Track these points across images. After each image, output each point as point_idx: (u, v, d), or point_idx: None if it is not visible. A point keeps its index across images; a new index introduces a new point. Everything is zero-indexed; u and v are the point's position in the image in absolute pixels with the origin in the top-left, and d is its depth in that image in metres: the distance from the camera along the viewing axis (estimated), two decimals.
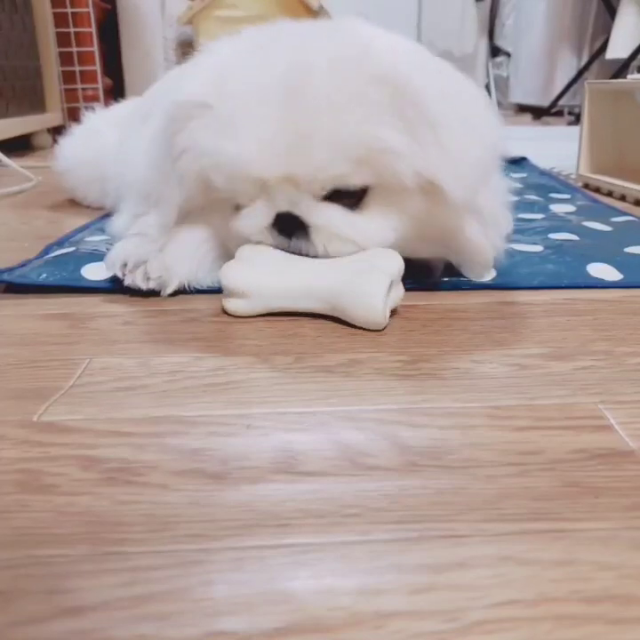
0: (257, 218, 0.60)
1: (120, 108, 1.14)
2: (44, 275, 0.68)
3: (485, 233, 0.62)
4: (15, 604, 0.28)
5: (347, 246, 0.59)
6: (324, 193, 0.57)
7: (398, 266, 0.58)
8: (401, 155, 0.55)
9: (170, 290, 0.64)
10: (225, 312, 0.60)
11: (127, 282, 0.64)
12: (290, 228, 0.59)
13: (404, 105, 0.55)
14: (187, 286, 0.65)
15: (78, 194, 1.12)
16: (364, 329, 0.56)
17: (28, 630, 0.27)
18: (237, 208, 0.61)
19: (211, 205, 0.63)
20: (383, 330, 0.56)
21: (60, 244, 0.83)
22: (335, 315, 0.58)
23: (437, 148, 0.55)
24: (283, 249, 0.60)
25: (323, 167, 0.56)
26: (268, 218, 0.59)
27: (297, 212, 0.58)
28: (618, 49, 2.51)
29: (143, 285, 0.63)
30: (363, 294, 0.56)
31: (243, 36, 0.64)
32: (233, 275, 0.59)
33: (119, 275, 0.64)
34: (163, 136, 0.62)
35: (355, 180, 0.57)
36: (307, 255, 0.59)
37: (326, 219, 0.58)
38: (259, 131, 0.56)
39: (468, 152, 0.57)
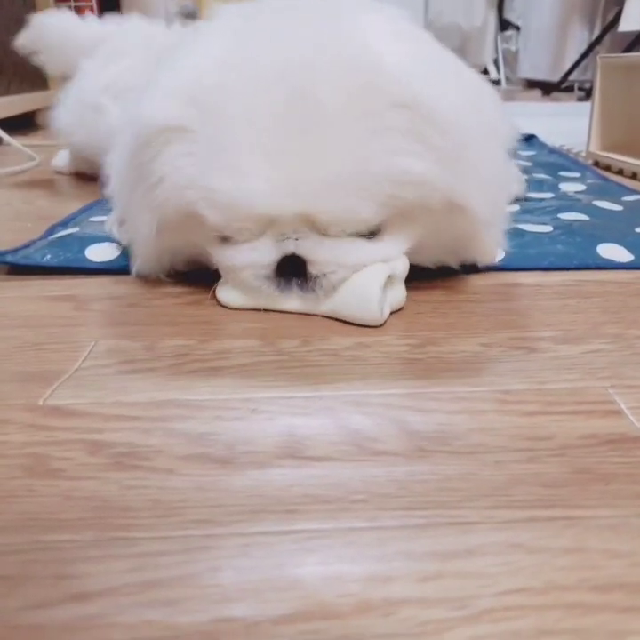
0: (257, 255, 0.53)
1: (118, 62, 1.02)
2: (48, 256, 0.67)
3: (493, 234, 0.60)
4: (22, 589, 0.28)
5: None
6: (342, 235, 0.52)
7: (402, 264, 0.55)
8: (428, 183, 0.51)
9: None
10: (218, 303, 0.57)
11: (124, 240, 0.64)
12: (293, 269, 0.53)
13: (429, 131, 0.50)
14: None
15: (83, 167, 1.10)
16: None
17: (35, 615, 0.27)
18: (226, 239, 0.54)
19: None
20: (382, 326, 0.53)
21: (63, 224, 0.83)
22: (331, 315, 0.54)
23: (465, 171, 0.52)
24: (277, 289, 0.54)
25: (350, 210, 0.50)
26: (271, 256, 0.53)
27: (303, 251, 0.52)
28: (631, 21, 2.45)
29: None
30: (357, 285, 0.52)
31: (223, 33, 0.55)
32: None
33: (116, 234, 0.64)
34: (134, 162, 0.55)
35: (376, 220, 0.52)
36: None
37: (339, 254, 0.52)
38: (261, 161, 0.49)
39: (492, 167, 0.55)
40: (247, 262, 0.53)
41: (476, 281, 0.63)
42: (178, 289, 0.61)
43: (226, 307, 0.57)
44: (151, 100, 0.53)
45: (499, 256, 0.66)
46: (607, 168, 1.21)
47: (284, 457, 0.37)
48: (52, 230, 0.79)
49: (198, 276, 0.61)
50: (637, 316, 0.55)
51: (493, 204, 0.57)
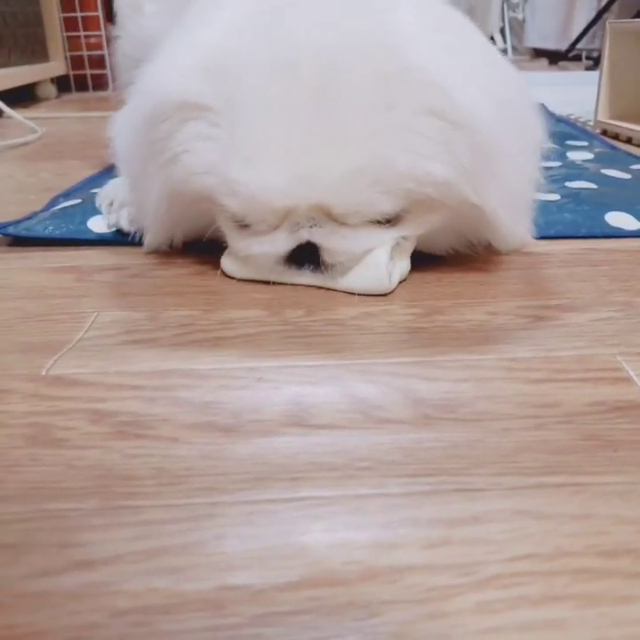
0: (273, 245, 0.52)
1: None
2: (51, 227, 0.67)
3: (517, 225, 0.57)
4: (27, 557, 0.28)
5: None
6: (359, 225, 0.51)
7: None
8: (451, 186, 0.49)
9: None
10: (223, 273, 0.56)
11: (111, 221, 0.63)
12: (307, 256, 0.52)
13: (459, 145, 0.48)
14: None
15: None
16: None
17: (40, 583, 0.27)
18: (244, 226, 0.52)
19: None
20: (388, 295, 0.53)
21: (66, 195, 0.82)
22: (337, 287, 0.53)
23: (490, 180, 0.50)
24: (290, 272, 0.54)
25: (367, 204, 0.49)
26: (286, 245, 0.51)
27: (317, 239, 0.51)
28: None
29: (126, 226, 0.62)
30: (364, 257, 0.52)
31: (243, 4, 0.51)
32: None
33: (104, 213, 0.63)
34: (146, 137, 0.52)
35: (395, 210, 0.51)
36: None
37: (353, 243, 0.51)
38: (284, 152, 0.47)
39: (519, 172, 0.54)
40: (263, 252, 0.52)
41: (483, 250, 0.62)
42: (181, 259, 0.61)
43: (231, 277, 0.56)
44: (168, 72, 0.50)
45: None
46: (615, 137, 1.19)
47: (289, 425, 0.37)
48: (54, 202, 0.79)
49: (203, 245, 0.61)
50: None
51: (517, 204, 0.55)
